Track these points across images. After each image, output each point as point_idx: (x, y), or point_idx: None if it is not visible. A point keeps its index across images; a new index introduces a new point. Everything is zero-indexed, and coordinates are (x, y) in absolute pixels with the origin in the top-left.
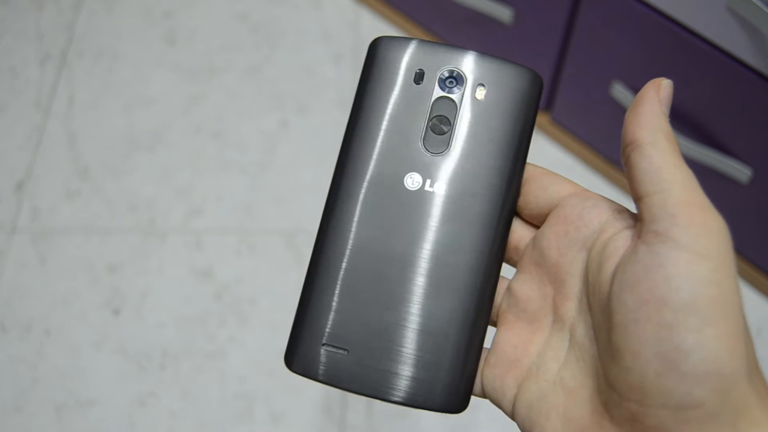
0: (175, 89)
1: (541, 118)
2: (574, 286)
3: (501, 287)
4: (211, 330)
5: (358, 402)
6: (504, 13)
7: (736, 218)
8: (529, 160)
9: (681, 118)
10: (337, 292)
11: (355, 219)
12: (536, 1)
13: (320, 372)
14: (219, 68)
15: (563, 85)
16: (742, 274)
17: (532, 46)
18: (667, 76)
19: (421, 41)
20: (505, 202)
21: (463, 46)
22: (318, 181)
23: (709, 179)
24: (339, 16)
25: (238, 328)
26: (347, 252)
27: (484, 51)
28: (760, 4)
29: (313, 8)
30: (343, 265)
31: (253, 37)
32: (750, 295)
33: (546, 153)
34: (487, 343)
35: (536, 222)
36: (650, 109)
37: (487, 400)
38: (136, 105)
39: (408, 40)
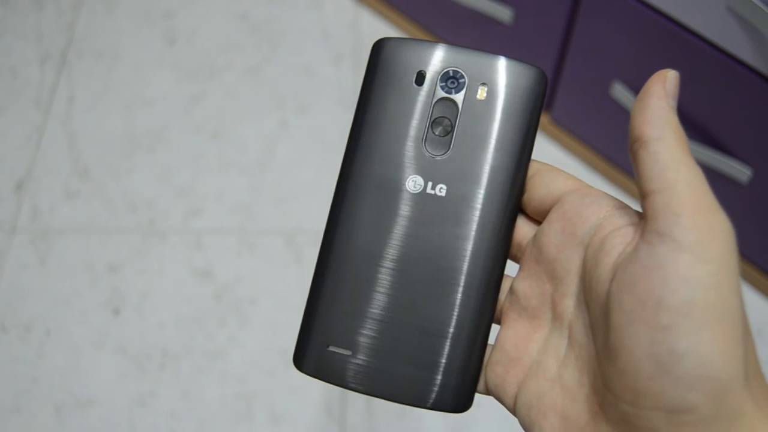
0: (175, 89)
1: (541, 118)
2: (571, 283)
3: (505, 285)
4: (211, 330)
5: (358, 401)
6: (504, 13)
7: (736, 218)
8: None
9: (681, 118)
10: (341, 294)
11: (359, 223)
12: (536, 1)
13: (328, 373)
14: (219, 68)
15: (563, 85)
16: (742, 274)
17: (532, 46)
18: None
19: (423, 42)
20: (507, 202)
21: (465, 45)
22: (318, 181)
23: (709, 179)
24: (339, 16)
25: (238, 328)
26: (351, 256)
27: (487, 49)
28: (760, 4)
29: (313, 8)
30: (348, 268)
31: (253, 37)
32: (750, 295)
33: (546, 153)
34: (493, 340)
35: (540, 218)
36: (657, 103)
37: (490, 397)
38: (136, 105)
39: (410, 41)
